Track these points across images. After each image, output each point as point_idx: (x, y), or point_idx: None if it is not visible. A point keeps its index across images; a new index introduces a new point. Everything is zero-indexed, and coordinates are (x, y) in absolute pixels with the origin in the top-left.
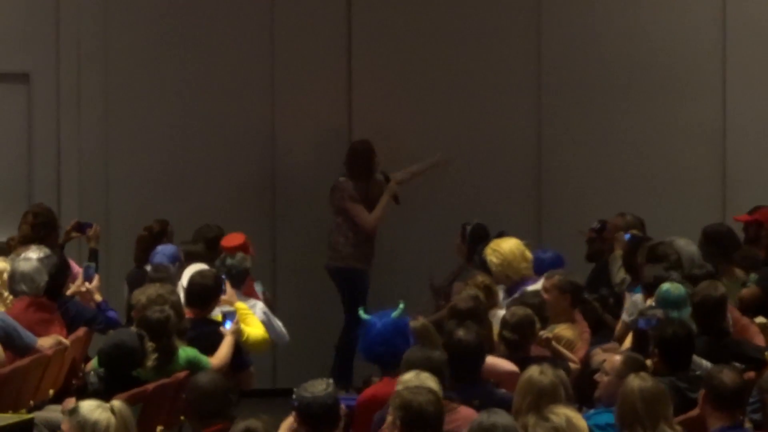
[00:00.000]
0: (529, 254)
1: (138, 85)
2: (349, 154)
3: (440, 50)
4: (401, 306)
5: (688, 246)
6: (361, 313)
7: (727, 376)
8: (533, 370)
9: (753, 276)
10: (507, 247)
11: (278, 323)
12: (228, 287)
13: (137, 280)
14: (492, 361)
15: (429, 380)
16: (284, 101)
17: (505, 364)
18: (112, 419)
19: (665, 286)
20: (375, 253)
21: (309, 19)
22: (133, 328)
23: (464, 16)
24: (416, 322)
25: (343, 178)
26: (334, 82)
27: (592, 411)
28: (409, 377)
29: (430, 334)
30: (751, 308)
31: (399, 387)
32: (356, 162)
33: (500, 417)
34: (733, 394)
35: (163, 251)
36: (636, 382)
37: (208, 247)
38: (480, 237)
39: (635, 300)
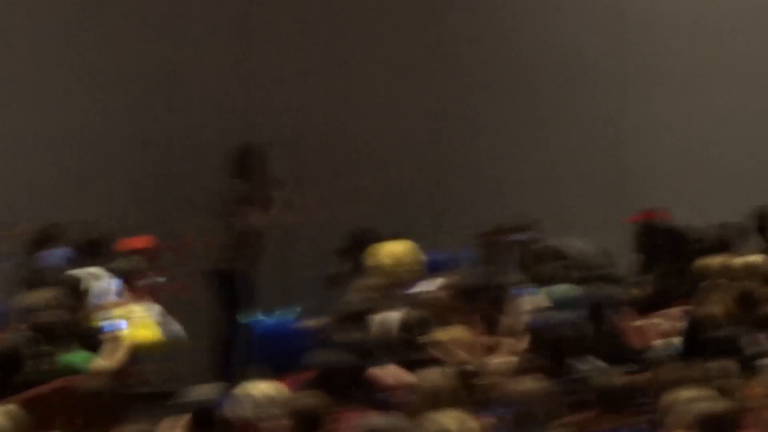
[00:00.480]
0: (421, 256)
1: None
2: (237, 158)
3: (337, 48)
4: (297, 309)
5: (584, 247)
6: (257, 315)
7: (617, 377)
8: (432, 372)
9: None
10: (399, 249)
11: (175, 324)
12: (124, 289)
13: (30, 282)
14: (387, 370)
15: None
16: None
17: (402, 374)
18: (8, 424)
19: (559, 287)
20: (261, 256)
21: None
22: (24, 332)
23: (367, 11)
24: (314, 323)
25: (230, 182)
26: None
27: (487, 412)
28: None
29: (327, 335)
30: (645, 308)
31: None
32: (244, 165)
33: (386, 420)
34: (623, 395)
35: (55, 254)
36: (528, 383)
37: (92, 247)
38: (368, 240)
39: (532, 300)
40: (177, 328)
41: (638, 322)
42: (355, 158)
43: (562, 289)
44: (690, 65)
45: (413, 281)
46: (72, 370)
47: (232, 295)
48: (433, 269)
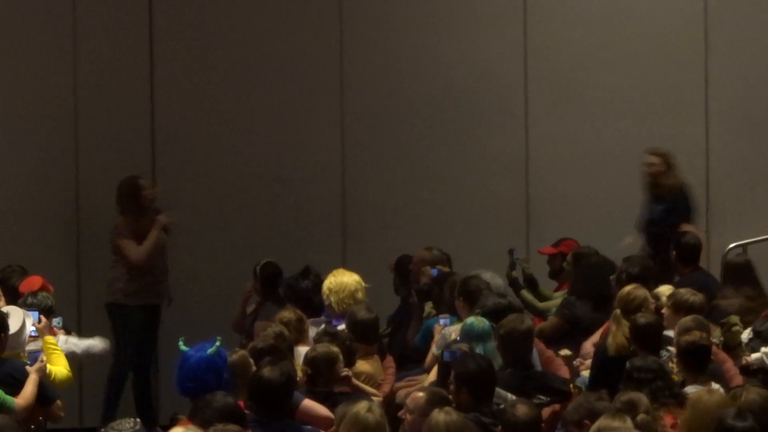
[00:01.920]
0: (362, 292)
1: None
2: (117, 191)
3: (245, 76)
4: (218, 341)
5: (493, 279)
6: (180, 345)
7: (520, 409)
8: (360, 407)
9: (552, 307)
10: (346, 277)
11: (87, 341)
12: (43, 320)
13: None
14: (308, 404)
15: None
16: (87, 136)
17: (321, 409)
18: None
19: (469, 319)
20: (160, 290)
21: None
22: None
23: (270, 40)
24: (235, 355)
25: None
26: (136, 116)
27: None
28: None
29: (247, 367)
30: (553, 339)
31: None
32: (123, 198)
33: None
34: (526, 427)
35: None
36: (441, 416)
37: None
38: (273, 274)
39: (445, 333)
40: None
41: (549, 353)
42: (259, 188)
43: (472, 321)
44: (594, 99)
45: (343, 314)
46: None
47: (122, 328)
48: None
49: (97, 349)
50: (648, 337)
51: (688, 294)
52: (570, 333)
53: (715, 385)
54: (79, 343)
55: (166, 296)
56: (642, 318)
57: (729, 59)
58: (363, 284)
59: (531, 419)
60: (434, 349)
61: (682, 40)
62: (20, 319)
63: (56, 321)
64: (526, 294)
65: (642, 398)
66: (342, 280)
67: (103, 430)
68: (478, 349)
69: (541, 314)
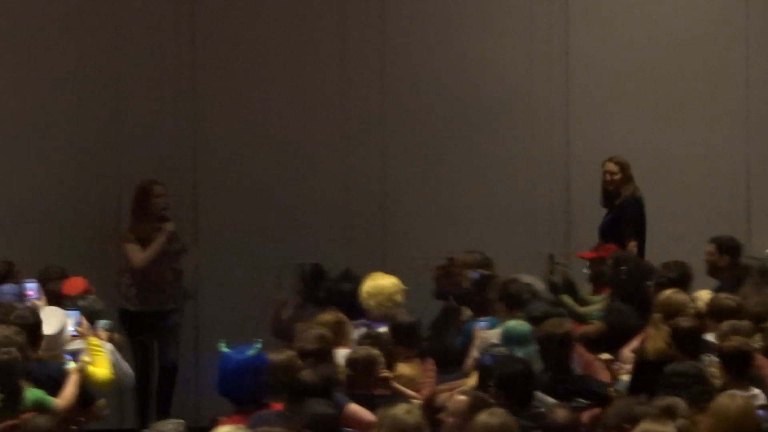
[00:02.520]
0: (400, 296)
1: None
2: (133, 196)
3: (280, 82)
4: (259, 343)
5: (534, 283)
6: (221, 347)
7: (559, 413)
8: (400, 409)
9: (593, 311)
10: (385, 281)
11: (125, 364)
12: (84, 322)
13: None
14: (354, 408)
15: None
16: (128, 136)
17: (366, 413)
18: None
19: (510, 323)
20: (164, 297)
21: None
22: None
23: (308, 42)
24: (282, 355)
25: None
26: (178, 116)
27: None
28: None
29: (293, 368)
30: (595, 344)
31: None
32: (134, 202)
33: None
34: (565, 431)
35: (8, 291)
36: (487, 418)
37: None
38: (316, 276)
39: (486, 336)
40: (126, 366)
41: (589, 357)
42: (299, 191)
43: (513, 325)
44: (635, 102)
45: (382, 317)
46: (35, 408)
47: (129, 335)
48: None
49: (126, 379)
50: (688, 342)
51: (726, 298)
52: (611, 337)
53: (756, 391)
54: (121, 364)
55: (173, 302)
56: (684, 322)
57: None
58: (401, 287)
59: (570, 423)
60: (474, 353)
61: (723, 45)
62: (60, 321)
63: (104, 323)
64: (567, 299)
65: (680, 403)
66: (380, 283)
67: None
68: (518, 353)
69: (582, 318)
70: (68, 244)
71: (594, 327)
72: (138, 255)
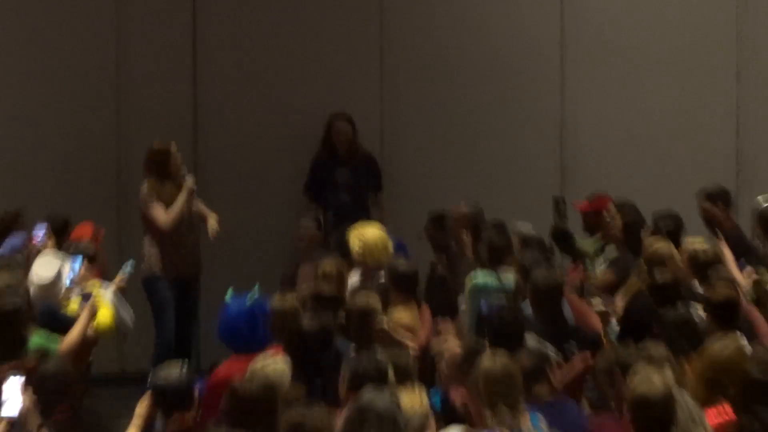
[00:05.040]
0: (390, 244)
1: None
2: (146, 156)
3: (285, 48)
4: (255, 289)
5: (527, 229)
6: (227, 296)
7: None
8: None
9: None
10: (370, 234)
11: (127, 309)
12: (84, 267)
13: None
14: None
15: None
16: (130, 98)
17: None
18: None
19: (477, 275)
20: (195, 260)
21: (156, 22)
22: None
23: (309, 14)
24: (284, 301)
25: (144, 184)
26: (179, 79)
27: (432, 390)
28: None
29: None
30: (605, 293)
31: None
32: (151, 163)
33: (377, 396)
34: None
35: (11, 241)
36: (489, 362)
37: (57, 234)
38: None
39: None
40: (127, 312)
41: (582, 306)
42: (301, 147)
43: (479, 276)
44: (628, 62)
45: (378, 267)
46: (38, 353)
47: (150, 300)
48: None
49: (124, 326)
50: (664, 294)
51: (704, 251)
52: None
53: (744, 341)
54: (123, 308)
55: (199, 267)
56: (659, 276)
57: (761, 19)
58: (385, 234)
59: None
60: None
61: (715, 1)
62: (55, 268)
63: (129, 265)
64: (583, 242)
65: (662, 349)
66: (369, 239)
67: (152, 374)
68: (508, 300)
69: (582, 255)
70: (72, 195)
71: (605, 277)
72: (163, 215)
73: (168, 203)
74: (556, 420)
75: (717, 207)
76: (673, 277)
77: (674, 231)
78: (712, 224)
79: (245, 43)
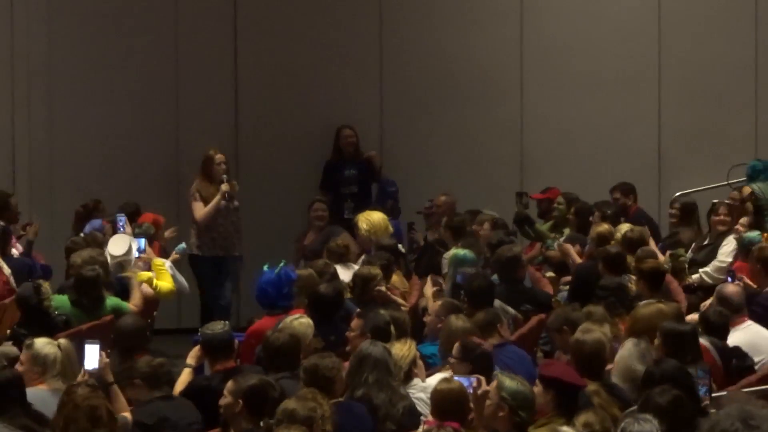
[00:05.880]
0: (389, 226)
1: (75, 92)
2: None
3: (306, 53)
4: (283, 263)
5: (495, 215)
6: (264, 267)
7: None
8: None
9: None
10: (375, 217)
11: (181, 277)
12: (146, 246)
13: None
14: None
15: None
16: (186, 104)
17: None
18: (59, 353)
19: (457, 251)
20: (226, 245)
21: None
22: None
23: (319, 25)
24: (304, 270)
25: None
26: (225, 88)
27: (421, 345)
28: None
29: (313, 281)
30: (557, 267)
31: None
32: (201, 168)
33: (373, 347)
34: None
35: (93, 224)
36: (457, 322)
37: (129, 218)
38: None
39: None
40: (182, 279)
41: (538, 275)
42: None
43: (458, 251)
44: (575, 80)
45: (379, 243)
46: (113, 312)
47: (196, 275)
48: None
49: (183, 289)
50: (614, 264)
51: (632, 232)
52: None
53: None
54: (178, 277)
55: (233, 250)
56: (612, 249)
57: (678, 47)
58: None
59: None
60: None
61: (640, 32)
62: (126, 246)
63: (181, 247)
64: (539, 226)
65: (599, 310)
66: (375, 221)
67: (201, 329)
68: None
69: (542, 237)
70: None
71: (555, 253)
72: (199, 211)
73: (207, 200)
74: (503, 359)
75: (627, 198)
76: (621, 249)
77: (614, 214)
78: (622, 209)
79: (278, 72)
